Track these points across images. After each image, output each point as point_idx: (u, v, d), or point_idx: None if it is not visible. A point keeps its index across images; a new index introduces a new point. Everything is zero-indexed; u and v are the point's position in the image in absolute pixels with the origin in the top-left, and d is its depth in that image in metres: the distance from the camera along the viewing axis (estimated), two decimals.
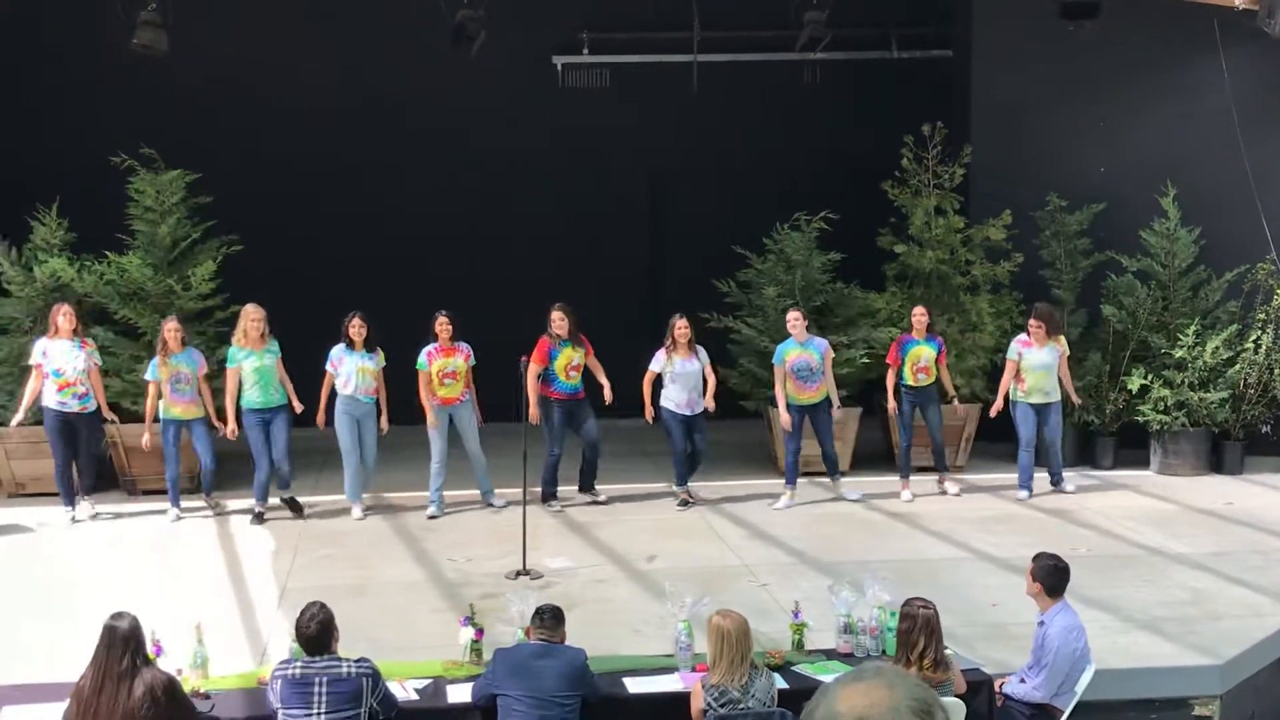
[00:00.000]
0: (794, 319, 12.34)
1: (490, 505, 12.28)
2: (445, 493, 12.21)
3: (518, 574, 9.94)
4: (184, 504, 12.09)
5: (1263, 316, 13.91)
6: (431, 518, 11.98)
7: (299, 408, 12.01)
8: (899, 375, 12.77)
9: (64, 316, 11.77)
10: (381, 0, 15.15)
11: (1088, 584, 8.97)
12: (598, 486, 12.60)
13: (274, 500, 12.05)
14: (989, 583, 9.79)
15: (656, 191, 17.04)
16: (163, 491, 12.38)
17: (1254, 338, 13.85)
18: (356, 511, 12.05)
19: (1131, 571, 10.16)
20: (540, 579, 9.90)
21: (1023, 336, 12.83)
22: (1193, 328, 13.72)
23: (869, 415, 14.01)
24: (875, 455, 14.07)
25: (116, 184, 13.33)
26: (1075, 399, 13.15)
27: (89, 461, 12.14)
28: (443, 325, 11.92)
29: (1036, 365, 12.66)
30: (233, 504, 12.27)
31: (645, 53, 16.47)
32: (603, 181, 16.54)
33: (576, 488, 12.58)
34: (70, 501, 11.93)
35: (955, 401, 13.11)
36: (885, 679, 2.29)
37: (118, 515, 12.11)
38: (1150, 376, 13.77)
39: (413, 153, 16.14)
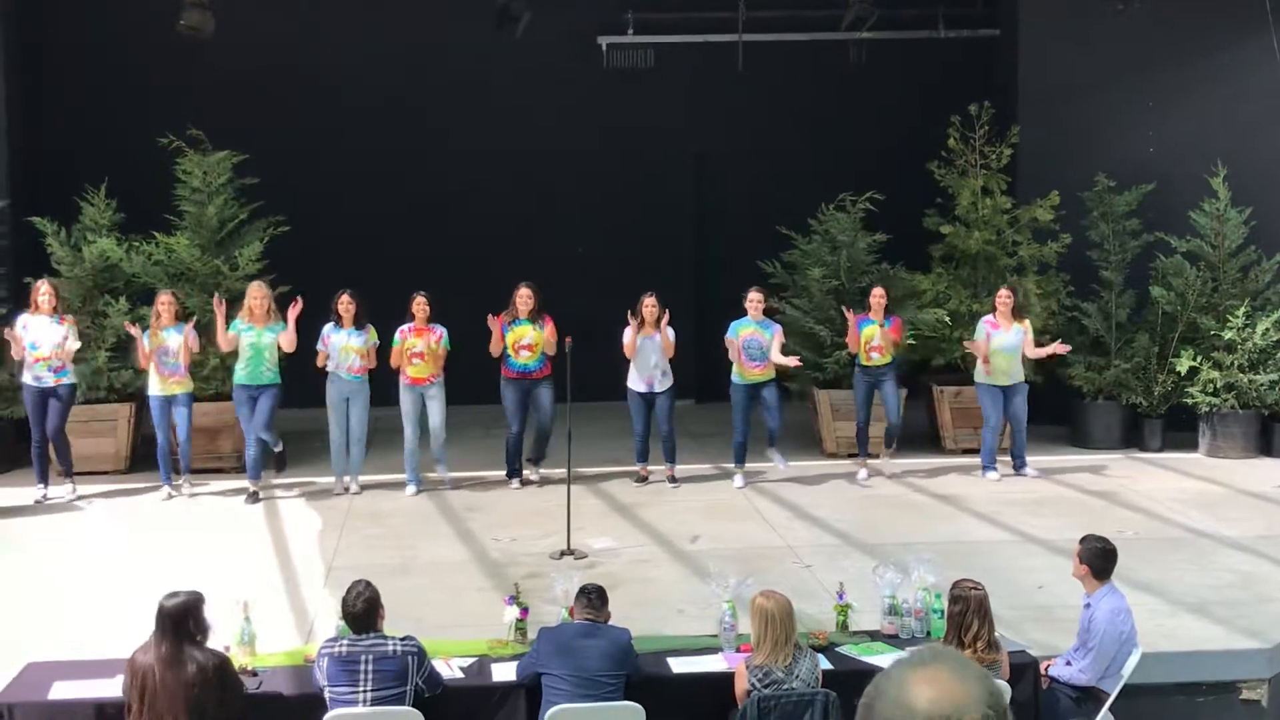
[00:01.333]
0: (754, 299, 12.31)
1: (440, 478, 12.36)
2: (483, 473, 12.35)
3: (562, 554, 9.96)
4: (227, 483, 12.18)
5: None
6: (412, 495, 12.09)
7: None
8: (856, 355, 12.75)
9: (44, 295, 11.82)
10: None
11: (1135, 567, 8.91)
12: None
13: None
14: (1034, 565, 9.73)
15: (701, 172, 17.02)
16: (209, 470, 12.51)
17: None
18: (338, 487, 12.17)
19: (1179, 554, 10.09)
20: (584, 559, 9.92)
21: (989, 318, 12.69)
22: (1242, 309, 13.59)
23: (913, 397, 13.94)
24: (918, 436, 14.02)
25: (164, 165, 13.43)
26: (1053, 350, 12.81)
27: (62, 441, 12.06)
28: (419, 305, 12.00)
29: (1002, 347, 12.55)
30: (281, 487, 12.37)
31: (690, 33, 16.43)
32: (647, 162, 16.52)
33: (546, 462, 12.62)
34: (44, 479, 11.93)
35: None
36: (956, 671, 2.25)
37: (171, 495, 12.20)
38: (1199, 358, 13.65)
39: (458, 135, 16.17)
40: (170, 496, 12.00)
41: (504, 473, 12.55)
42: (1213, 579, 9.45)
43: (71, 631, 8.26)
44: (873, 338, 12.53)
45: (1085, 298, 14.24)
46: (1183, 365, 13.63)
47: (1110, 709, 7.09)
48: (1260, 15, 13.81)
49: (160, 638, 6.20)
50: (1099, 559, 7.23)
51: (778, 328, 12.47)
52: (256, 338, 11.79)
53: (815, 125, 16.42)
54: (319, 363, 11.93)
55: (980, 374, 12.71)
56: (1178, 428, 13.88)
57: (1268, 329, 13.52)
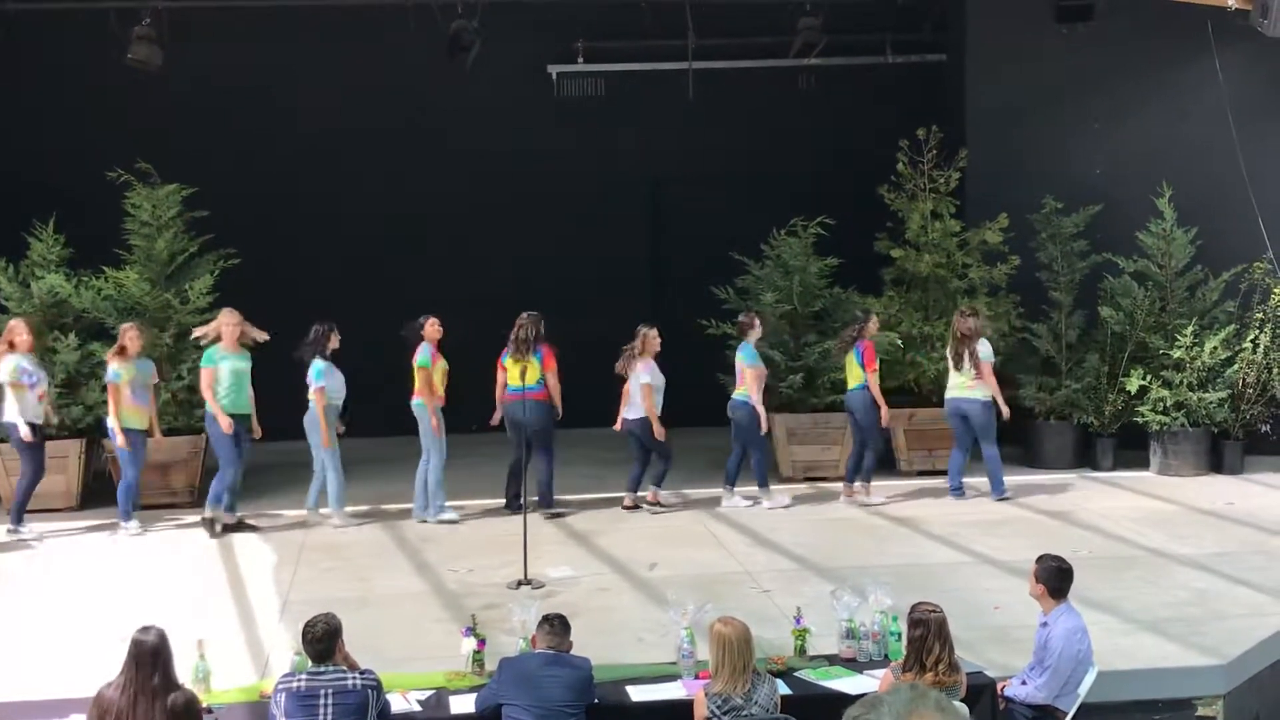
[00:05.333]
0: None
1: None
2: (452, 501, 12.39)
3: (519, 583, 9.92)
4: (182, 517, 12.09)
5: (1260, 316, 13.92)
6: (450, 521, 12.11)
7: (258, 432, 11.99)
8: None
9: (27, 331, 11.75)
10: (377, 12, 15.18)
11: (1090, 585, 8.95)
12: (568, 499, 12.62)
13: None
14: (991, 586, 9.77)
15: (655, 199, 17.08)
16: (162, 505, 12.44)
17: (1252, 337, 13.86)
18: (337, 519, 12.10)
19: (1133, 572, 10.15)
20: (542, 588, 9.87)
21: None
22: (1190, 328, 13.72)
23: None
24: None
25: (113, 199, 13.34)
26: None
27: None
28: (436, 328, 12.05)
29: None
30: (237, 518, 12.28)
31: (640, 61, 16.49)
32: (601, 190, 16.57)
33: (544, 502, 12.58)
34: (20, 519, 11.81)
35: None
36: (939, 711, 2.25)
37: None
38: (1149, 377, 13.77)
39: (410, 165, 16.18)
40: (142, 531, 11.88)
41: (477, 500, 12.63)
42: (1168, 596, 9.52)
43: (29, 671, 8.15)
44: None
45: (1035, 319, 14.34)
46: (1133, 384, 13.75)
47: None
48: (1204, 37, 13.98)
49: (140, 673, 6.10)
50: (1055, 578, 7.26)
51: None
52: (236, 364, 11.77)
53: (766, 151, 16.49)
54: (320, 400, 11.79)
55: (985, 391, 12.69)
56: (1129, 446, 13.99)
57: (1215, 347, 13.65)
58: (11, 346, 11.66)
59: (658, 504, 12.54)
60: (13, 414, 11.62)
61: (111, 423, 11.71)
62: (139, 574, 10.69)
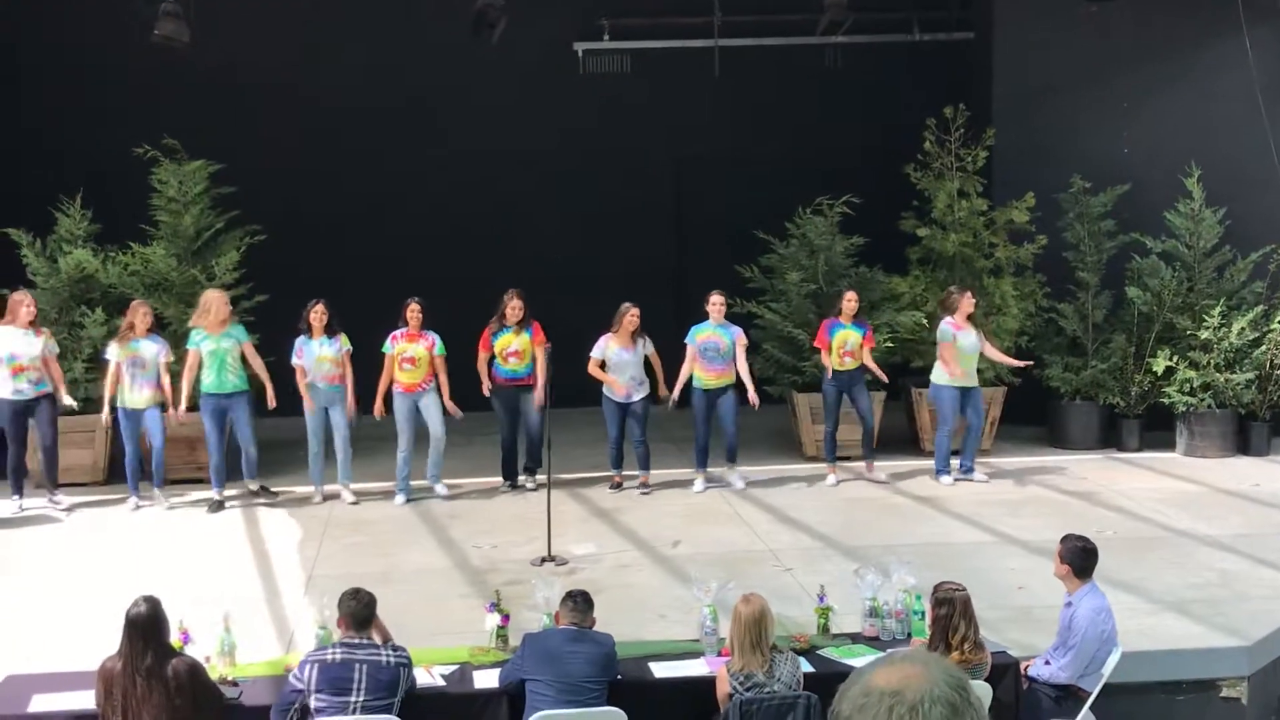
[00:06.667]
0: (715, 302, 12.34)
1: (435, 492, 12.30)
2: (465, 480, 12.35)
3: (543, 560, 9.95)
4: (206, 493, 12.16)
5: None
6: (400, 505, 12.06)
7: (272, 401, 11.99)
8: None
9: (26, 306, 11.77)
10: None
11: (1114, 566, 8.93)
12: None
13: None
14: (1015, 566, 9.77)
15: (679, 177, 17.03)
16: (189, 481, 12.51)
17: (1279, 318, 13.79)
18: (317, 496, 12.16)
19: (1158, 553, 10.13)
20: (565, 565, 9.91)
21: (950, 319, 12.61)
22: (1218, 309, 13.65)
23: (893, 399, 13.99)
24: (899, 439, 14.07)
25: (140, 175, 13.38)
26: (1014, 362, 12.97)
27: (51, 453, 12.02)
28: (412, 312, 11.99)
29: (967, 348, 12.56)
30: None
31: (666, 38, 16.46)
32: (625, 168, 16.53)
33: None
34: (19, 491, 11.87)
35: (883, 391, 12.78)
36: (918, 659, 2.30)
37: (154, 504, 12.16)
38: (1176, 358, 13.71)
39: (434, 142, 16.17)
40: (138, 507, 11.94)
41: (487, 479, 12.54)
42: (1192, 578, 9.49)
43: (51, 643, 8.22)
44: (845, 342, 12.54)
45: (1062, 299, 14.28)
46: (1159, 365, 13.69)
47: (1091, 708, 7.11)
48: (1233, 15, 13.87)
49: (132, 646, 6.18)
50: (1080, 558, 7.26)
51: (738, 331, 12.47)
52: (215, 344, 11.78)
53: (792, 129, 16.44)
54: (298, 377, 11.89)
55: (942, 375, 12.63)
56: (1155, 427, 13.94)
57: (1243, 328, 13.58)
58: (14, 318, 11.75)
59: (645, 485, 12.57)
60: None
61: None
62: (164, 548, 10.76)
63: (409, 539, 10.97)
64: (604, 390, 12.33)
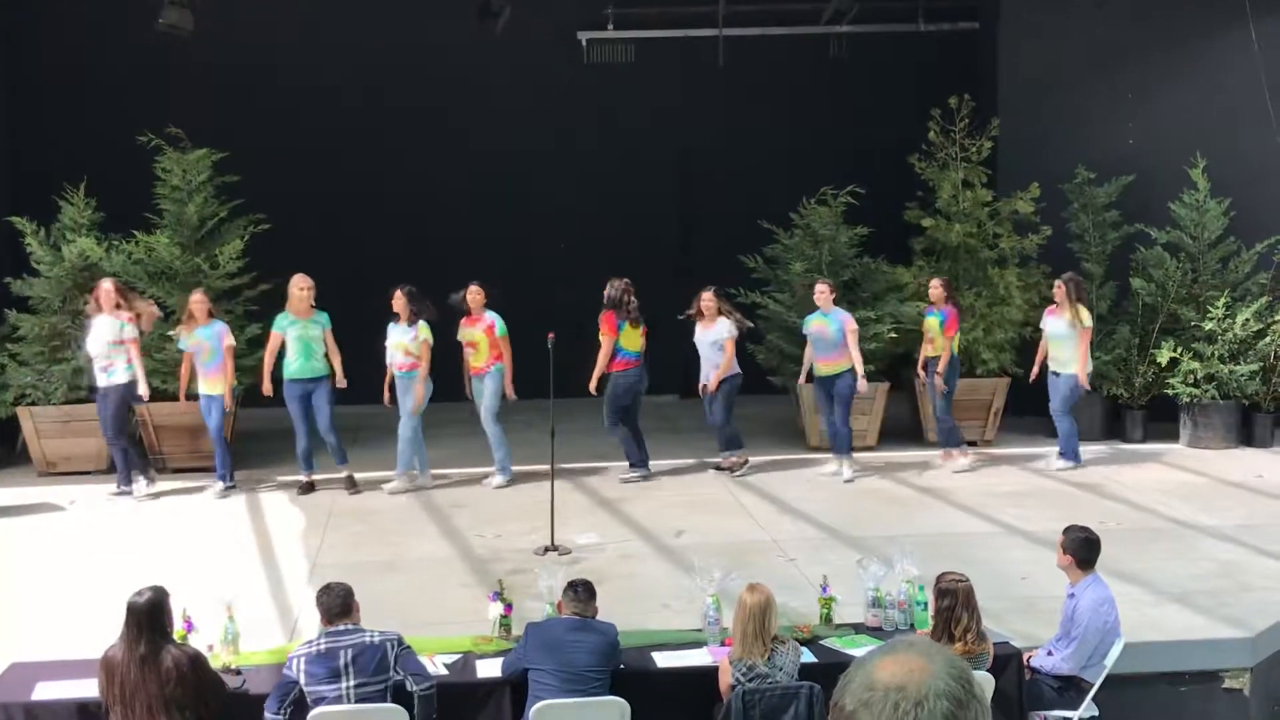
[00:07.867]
0: (820, 290, 12.34)
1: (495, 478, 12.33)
2: (467, 470, 12.45)
3: (546, 549, 9.96)
4: (209, 481, 12.19)
5: None
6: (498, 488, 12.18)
7: (342, 383, 12.00)
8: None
9: (104, 294, 11.81)
10: None
11: (1118, 557, 8.93)
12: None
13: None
14: (1018, 556, 9.77)
15: (683, 166, 17.01)
16: (193, 469, 12.52)
17: None
18: (406, 481, 12.20)
19: (1162, 544, 10.13)
20: (568, 554, 9.91)
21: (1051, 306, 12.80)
22: (1222, 300, 13.63)
23: (896, 389, 13.98)
24: (902, 430, 14.06)
25: (144, 163, 13.37)
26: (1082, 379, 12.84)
27: (130, 438, 12.14)
28: (472, 294, 12.03)
29: (1054, 334, 12.73)
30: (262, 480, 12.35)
31: (670, 27, 16.43)
32: (629, 157, 16.51)
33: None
34: (128, 480, 11.97)
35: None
36: (921, 650, 2.29)
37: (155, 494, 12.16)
38: (1180, 349, 13.69)
39: (437, 129, 16.15)
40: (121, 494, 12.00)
41: (486, 469, 12.58)
42: (1196, 569, 9.49)
43: (55, 631, 8.24)
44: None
45: None
46: (1163, 356, 13.67)
47: (1094, 699, 7.12)
48: (1238, 6, 13.85)
49: (133, 636, 6.20)
50: (1083, 549, 7.26)
51: (846, 317, 12.43)
52: (302, 329, 11.84)
53: (796, 119, 16.42)
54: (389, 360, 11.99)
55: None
56: (1159, 418, 13.93)
57: (1247, 319, 13.56)
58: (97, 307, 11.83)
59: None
60: None
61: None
62: (169, 536, 10.77)
63: (412, 528, 10.98)
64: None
